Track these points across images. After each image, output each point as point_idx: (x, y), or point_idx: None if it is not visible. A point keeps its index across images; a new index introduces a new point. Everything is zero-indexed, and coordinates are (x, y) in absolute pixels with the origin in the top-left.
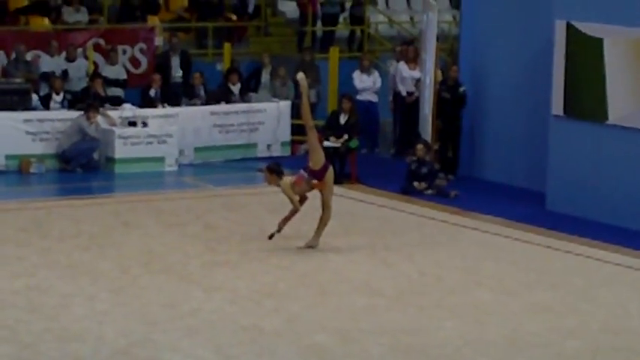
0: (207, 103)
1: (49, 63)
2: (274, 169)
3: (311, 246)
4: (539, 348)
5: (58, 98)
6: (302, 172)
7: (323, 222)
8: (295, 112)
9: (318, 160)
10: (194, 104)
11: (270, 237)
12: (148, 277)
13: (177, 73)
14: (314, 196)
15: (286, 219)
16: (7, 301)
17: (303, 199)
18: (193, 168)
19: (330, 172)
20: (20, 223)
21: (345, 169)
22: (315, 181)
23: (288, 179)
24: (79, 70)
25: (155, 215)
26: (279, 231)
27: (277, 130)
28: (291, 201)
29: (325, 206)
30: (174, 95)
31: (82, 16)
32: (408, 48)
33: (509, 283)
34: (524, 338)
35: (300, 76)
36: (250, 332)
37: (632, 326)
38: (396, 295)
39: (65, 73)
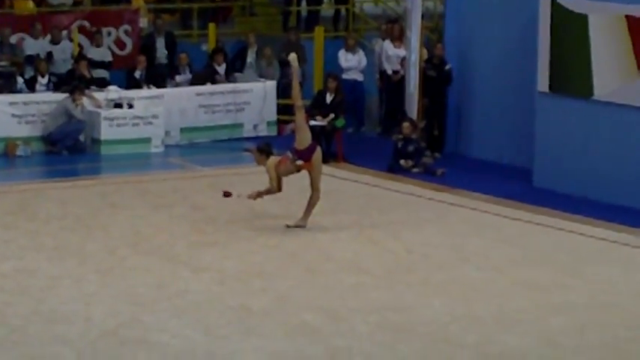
0: (192, 83)
1: (33, 45)
2: (264, 149)
3: (299, 225)
4: (527, 324)
5: (43, 81)
6: (288, 152)
7: (311, 203)
8: (281, 91)
9: (303, 139)
10: (178, 84)
11: (225, 194)
12: (136, 258)
13: (162, 54)
14: (303, 177)
15: (259, 193)
16: None
17: (280, 185)
18: (179, 149)
19: (318, 153)
20: (7, 205)
21: (332, 148)
22: (301, 162)
23: (273, 159)
24: (63, 53)
25: (142, 196)
26: (238, 196)
27: (263, 110)
28: (271, 180)
29: (314, 188)
30: (160, 76)
31: None
32: (393, 26)
33: (496, 259)
34: (511, 315)
35: (292, 56)
36: (238, 312)
37: (619, 301)
38: (383, 273)
39: (50, 55)
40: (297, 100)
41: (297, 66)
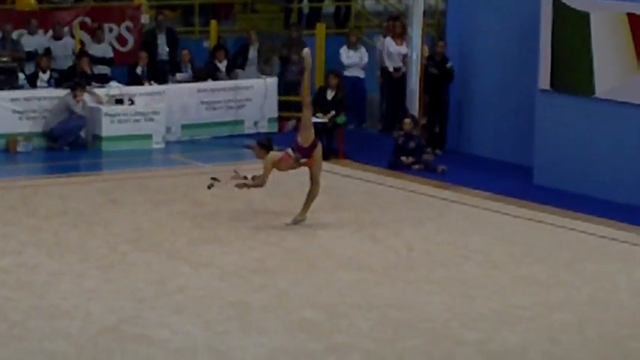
0: (194, 80)
1: (30, 41)
2: (264, 144)
3: (298, 220)
4: (527, 321)
5: (44, 77)
6: (289, 150)
7: (311, 196)
8: (282, 88)
9: (308, 137)
10: (180, 81)
11: (210, 186)
12: (136, 254)
13: (163, 50)
14: (303, 173)
15: (246, 184)
16: None
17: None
18: (180, 145)
19: (319, 149)
20: (8, 201)
21: (333, 144)
22: (304, 160)
23: (273, 154)
24: (65, 49)
25: (143, 192)
26: (220, 181)
27: (264, 107)
28: (263, 174)
29: (314, 181)
30: (161, 73)
31: None
32: (395, 23)
33: (497, 256)
34: (511, 311)
35: (306, 51)
36: (238, 308)
37: (619, 298)
38: (384, 270)
39: (48, 50)
40: (307, 97)
41: (310, 62)
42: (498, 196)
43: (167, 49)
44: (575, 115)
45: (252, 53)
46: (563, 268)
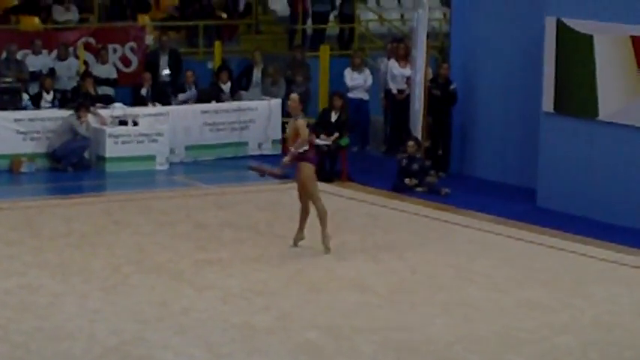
0: (197, 101)
1: (35, 61)
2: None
3: (327, 243)
4: (530, 344)
5: (48, 97)
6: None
7: (320, 217)
8: (286, 110)
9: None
10: (183, 101)
11: (253, 169)
12: (140, 275)
13: (164, 71)
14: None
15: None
16: None
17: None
18: (184, 166)
19: (304, 169)
20: (11, 222)
21: (336, 166)
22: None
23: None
24: (69, 70)
25: (146, 214)
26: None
27: (268, 129)
28: (302, 138)
29: (312, 201)
30: (163, 94)
31: (73, 15)
32: (399, 45)
33: (500, 280)
34: (515, 335)
35: (293, 96)
36: (241, 330)
37: (623, 322)
38: (387, 293)
39: (52, 71)
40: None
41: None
42: (502, 219)
43: (168, 70)
44: (579, 138)
45: (257, 75)
46: (566, 291)
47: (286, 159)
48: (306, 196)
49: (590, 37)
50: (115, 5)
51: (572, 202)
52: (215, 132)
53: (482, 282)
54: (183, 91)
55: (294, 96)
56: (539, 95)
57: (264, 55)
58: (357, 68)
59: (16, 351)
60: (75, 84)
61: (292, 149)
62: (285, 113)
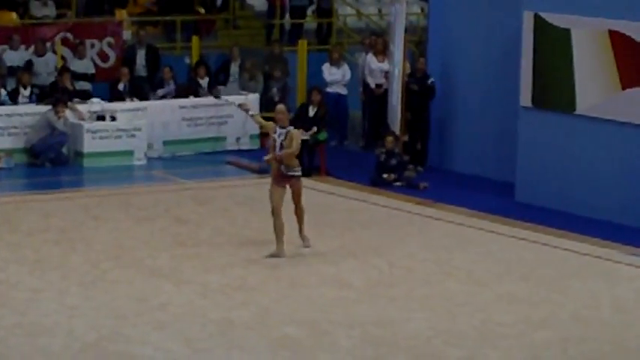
0: (175, 96)
1: (13, 57)
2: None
3: (307, 246)
4: (510, 339)
5: (25, 92)
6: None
7: (301, 217)
8: (264, 105)
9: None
10: (162, 96)
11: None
12: (118, 271)
13: (141, 67)
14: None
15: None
16: None
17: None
18: (162, 161)
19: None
20: None
21: (314, 161)
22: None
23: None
24: (47, 65)
25: (124, 209)
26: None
27: (246, 123)
28: (294, 147)
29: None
30: (140, 89)
31: (50, 10)
32: (377, 40)
33: (480, 274)
34: (494, 329)
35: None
36: (220, 325)
37: (602, 316)
38: (365, 287)
39: (29, 65)
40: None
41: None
42: (480, 213)
43: (144, 64)
44: (557, 132)
45: (234, 69)
46: (545, 286)
47: (269, 157)
48: (298, 201)
49: (568, 31)
50: (93, 0)
51: (550, 196)
52: (193, 127)
53: (461, 276)
54: (162, 86)
55: (281, 107)
56: (517, 89)
57: (242, 50)
58: (335, 63)
59: None
60: (53, 79)
61: (277, 154)
62: (263, 108)
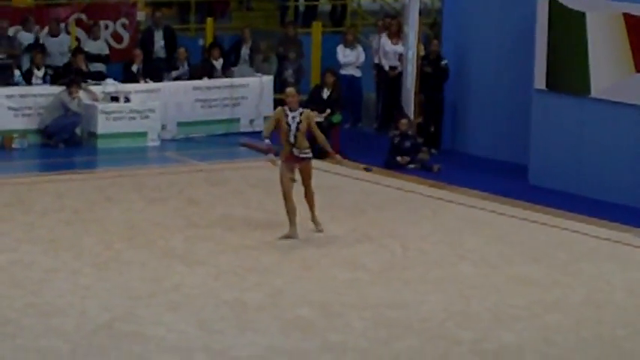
0: (189, 78)
1: (28, 38)
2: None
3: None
4: (522, 321)
5: (39, 73)
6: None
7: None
8: (277, 86)
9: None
10: (176, 78)
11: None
12: (131, 251)
13: (160, 48)
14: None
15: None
16: None
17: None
18: (176, 143)
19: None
20: (3, 198)
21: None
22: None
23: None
24: (61, 46)
25: (138, 190)
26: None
27: (260, 105)
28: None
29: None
30: (157, 70)
31: None
32: (391, 22)
33: (493, 256)
34: (507, 311)
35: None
36: (233, 306)
37: (615, 299)
38: (379, 269)
39: (41, 46)
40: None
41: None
42: (494, 196)
43: (163, 46)
44: (571, 115)
45: (245, 51)
46: (558, 268)
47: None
48: (308, 183)
49: (583, 14)
50: None
51: (563, 178)
52: (207, 108)
53: (475, 259)
54: (176, 68)
55: (291, 90)
56: (531, 72)
57: (256, 32)
58: (349, 45)
59: (7, 327)
60: (67, 60)
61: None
62: (277, 89)
